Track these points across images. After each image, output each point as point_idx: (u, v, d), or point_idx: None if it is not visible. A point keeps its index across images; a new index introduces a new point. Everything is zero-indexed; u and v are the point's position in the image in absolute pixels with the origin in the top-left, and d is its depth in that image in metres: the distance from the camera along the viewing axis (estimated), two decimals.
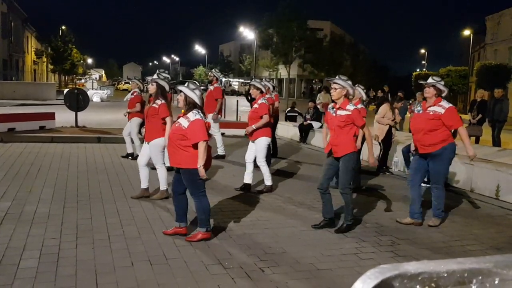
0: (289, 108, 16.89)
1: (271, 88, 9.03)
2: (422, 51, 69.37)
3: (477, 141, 12.11)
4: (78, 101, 13.52)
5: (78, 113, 13.66)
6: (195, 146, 4.68)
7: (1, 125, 11.68)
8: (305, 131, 13.08)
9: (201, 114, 4.76)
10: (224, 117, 15.60)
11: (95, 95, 30.75)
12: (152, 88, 6.43)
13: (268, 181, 7.16)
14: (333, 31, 57.35)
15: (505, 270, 0.64)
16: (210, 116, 9.50)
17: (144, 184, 6.44)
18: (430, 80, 5.57)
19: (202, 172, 4.62)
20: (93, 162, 8.86)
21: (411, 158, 6.09)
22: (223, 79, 62.39)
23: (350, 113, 5.16)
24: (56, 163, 8.61)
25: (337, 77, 5.30)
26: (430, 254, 4.77)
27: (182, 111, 4.88)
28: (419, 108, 5.69)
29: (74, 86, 39.90)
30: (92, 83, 34.99)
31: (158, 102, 6.29)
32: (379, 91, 17.31)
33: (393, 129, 9.05)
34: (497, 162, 7.86)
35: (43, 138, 11.27)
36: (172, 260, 4.24)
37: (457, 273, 0.60)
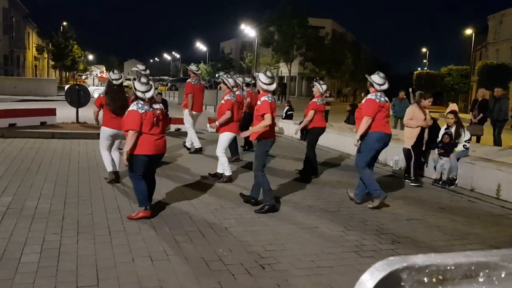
0: (287, 107, 17.48)
1: (241, 84, 9.46)
2: (424, 50, 69.14)
3: (478, 141, 12.11)
4: (79, 97, 13.52)
5: (79, 109, 13.66)
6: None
7: (2, 121, 11.65)
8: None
9: (139, 106, 5.12)
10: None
11: (96, 91, 30.74)
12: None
13: (226, 171, 7.42)
14: (335, 29, 57.28)
15: None
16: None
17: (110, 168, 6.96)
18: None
19: (124, 157, 5.09)
20: (94, 158, 8.86)
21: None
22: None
23: (260, 103, 5.93)
24: (57, 159, 8.62)
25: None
26: (430, 252, 4.78)
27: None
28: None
29: (75, 82, 39.88)
30: (93, 79, 34.81)
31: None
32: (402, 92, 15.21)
33: (426, 130, 8.07)
34: (498, 161, 7.86)
35: (44, 134, 11.27)
36: (172, 256, 4.25)
37: (464, 266, 0.60)
